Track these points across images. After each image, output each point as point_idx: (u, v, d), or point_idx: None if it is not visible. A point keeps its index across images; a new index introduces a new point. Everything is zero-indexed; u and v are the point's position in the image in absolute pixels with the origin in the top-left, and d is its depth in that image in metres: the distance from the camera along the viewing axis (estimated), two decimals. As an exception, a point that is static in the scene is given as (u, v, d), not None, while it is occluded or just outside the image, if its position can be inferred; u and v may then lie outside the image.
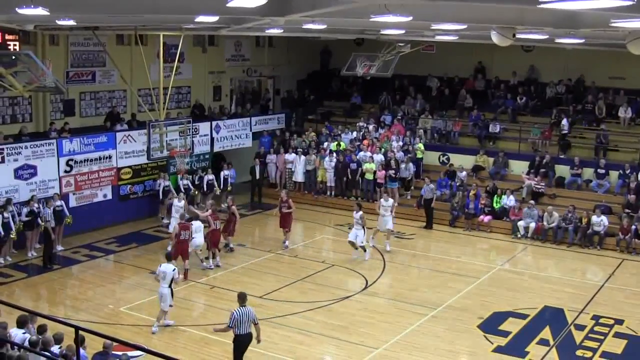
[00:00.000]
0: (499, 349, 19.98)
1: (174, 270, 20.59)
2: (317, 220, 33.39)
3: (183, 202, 28.03)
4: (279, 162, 36.97)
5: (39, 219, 26.67)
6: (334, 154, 35.70)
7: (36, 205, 26.90)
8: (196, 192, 33.12)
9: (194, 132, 33.16)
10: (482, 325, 21.57)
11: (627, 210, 30.24)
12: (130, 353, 16.22)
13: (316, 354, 19.68)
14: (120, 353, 15.88)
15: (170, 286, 20.43)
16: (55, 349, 14.06)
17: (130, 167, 31.76)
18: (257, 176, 36.25)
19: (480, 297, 24.07)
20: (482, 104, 38.99)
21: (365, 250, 27.51)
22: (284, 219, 29.26)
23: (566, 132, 35.00)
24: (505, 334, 20.98)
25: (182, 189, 32.00)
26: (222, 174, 34.45)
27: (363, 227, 27.25)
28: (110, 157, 30.80)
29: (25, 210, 26.73)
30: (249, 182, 36.69)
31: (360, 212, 27.13)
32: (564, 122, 35.18)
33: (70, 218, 28.01)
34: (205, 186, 33.67)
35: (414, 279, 26.03)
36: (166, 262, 20.92)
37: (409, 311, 22.43)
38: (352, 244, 27.30)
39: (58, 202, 27.50)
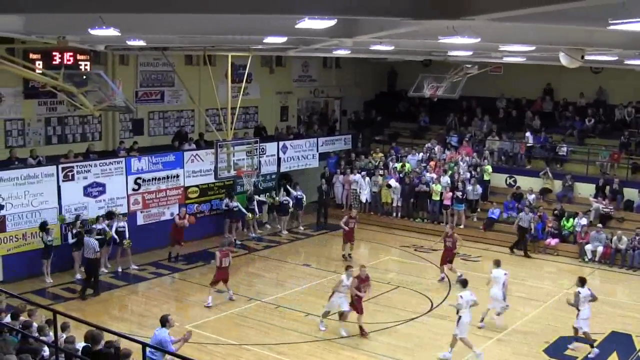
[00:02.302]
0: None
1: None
2: (382, 241, 33.36)
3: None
4: (345, 182, 37.02)
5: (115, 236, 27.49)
6: (400, 175, 35.68)
7: (106, 222, 27.33)
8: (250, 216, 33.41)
9: (261, 152, 33.42)
10: (549, 349, 21.36)
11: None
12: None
13: (381, 374, 19.67)
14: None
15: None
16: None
17: (197, 186, 32.08)
18: (324, 197, 36.37)
19: (547, 321, 23.83)
20: (549, 126, 38.66)
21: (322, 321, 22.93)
22: (350, 234, 29.96)
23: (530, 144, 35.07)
24: (571, 359, 20.73)
25: (241, 209, 32.56)
26: (294, 194, 34.66)
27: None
28: (177, 176, 31.17)
29: (97, 227, 26.98)
30: (316, 202, 36.78)
31: (351, 278, 22.20)
32: (528, 134, 37.21)
33: (129, 242, 28.07)
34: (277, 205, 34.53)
35: (480, 302, 25.79)
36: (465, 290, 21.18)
37: (474, 334, 22.19)
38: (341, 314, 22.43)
39: (122, 223, 27.88)
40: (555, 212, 32.74)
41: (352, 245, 30.33)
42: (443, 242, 28.28)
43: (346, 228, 29.91)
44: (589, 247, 30.67)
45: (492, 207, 34.33)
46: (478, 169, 35.88)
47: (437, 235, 32.86)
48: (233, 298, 24.59)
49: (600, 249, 30.36)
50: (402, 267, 29.87)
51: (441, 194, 34.40)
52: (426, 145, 38.79)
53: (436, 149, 38.13)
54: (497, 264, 23.31)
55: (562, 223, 32.15)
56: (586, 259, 30.68)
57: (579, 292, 20.97)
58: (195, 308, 24.12)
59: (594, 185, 34.04)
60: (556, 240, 31.75)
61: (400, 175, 35.86)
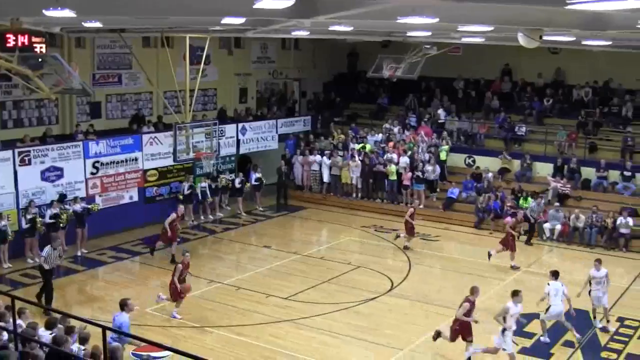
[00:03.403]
0: (524, 350, 19.98)
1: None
2: (342, 222, 33.42)
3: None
4: (304, 163, 37.01)
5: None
6: (359, 156, 35.73)
7: (60, 207, 27.13)
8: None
9: (220, 134, 33.30)
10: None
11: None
12: (155, 354, 16.40)
13: (342, 355, 19.70)
14: (144, 354, 15.99)
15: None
16: (76, 347, 14.07)
17: (156, 169, 31.92)
18: (283, 178, 36.34)
19: (506, 298, 23.96)
20: (508, 106, 38.92)
21: None
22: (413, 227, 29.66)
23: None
24: (530, 335, 20.99)
25: (200, 193, 32.48)
26: (251, 176, 34.58)
27: None
28: (136, 159, 31.00)
29: (49, 212, 26.91)
30: (275, 184, 36.72)
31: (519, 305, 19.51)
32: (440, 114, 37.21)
33: (96, 206, 28.48)
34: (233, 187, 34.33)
35: (439, 281, 26.03)
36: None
37: (435, 312, 22.45)
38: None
39: (78, 206, 27.67)
40: (515, 192, 32.99)
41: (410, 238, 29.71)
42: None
43: (413, 222, 29.50)
44: (547, 226, 30.98)
45: (452, 187, 34.50)
46: (436, 149, 36.03)
47: (397, 215, 33.15)
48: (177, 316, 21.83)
49: (558, 227, 30.67)
50: (362, 248, 29.99)
51: (400, 174, 34.51)
52: (385, 126, 38.85)
53: (395, 129, 38.21)
54: (555, 275, 21.04)
55: (520, 202, 32.39)
56: (544, 237, 31.01)
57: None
58: (156, 291, 23.97)
59: (552, 165, 34.39)
60: (514, 219, 31.96)
61: (360, 156, 35.86)
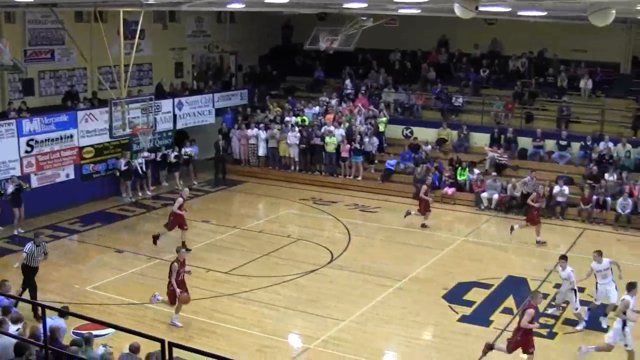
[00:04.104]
0: (463, 319, 20.18)
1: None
2: (281, 195, 33.35)
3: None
4: (242, 137, 36.80)
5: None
6: (297, 129, 35.65)
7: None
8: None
9: (156, 110, 32.95)
10: (447, 295, 21.77)
11: (588, 181, 30.53)
12: (97, 331, 16.26)
13: (284, 327, 19.68)
14: (85, 332, 15.81)
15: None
16: (12, 328, 13.89)
17: (92, 146, 31.46)
18: (221, 152, 36.12)
19: (445, 268, 24.24)
20: (445, 78, 39.11)
21: None
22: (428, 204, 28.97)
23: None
24: (469, 303, 21.21)
25: (138, 168, 32.07)
26: (182, 150, 34.32)
27: None
28: (71, 136, 30.48)
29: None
30: (213, 159, 36.47)
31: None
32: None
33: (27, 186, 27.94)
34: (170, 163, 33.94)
35: (379, 252, 26.11)
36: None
37: (375, 283, 22.56)
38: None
39: (11, 186, 27.22)
40: (452, 162, 33.21)
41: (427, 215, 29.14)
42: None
43: (428, 198, 29.02)
44: (484, 195, 31.24)
45: (389, 158, 34.62)
46: (374, 122, 36.06)
47: (336, 187, 33.26)
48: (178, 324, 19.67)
49: (495, 196, 30.95)
50: (301, 220, 29.98)
51: (338, 146, 34.50)
52: (322, 99, 38.80)
53: (333, 101, 38.17)
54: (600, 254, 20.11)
55: (458, 172, 32.62)
56: (482, 207, 31.26)
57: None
58: (95, 269, 23.76)
59: (489, 135, 34.68)
60: (453, 189, 32.22)
61: (297, 128, 35.77)
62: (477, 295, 21.72)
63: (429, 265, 24.39)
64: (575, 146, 33.27)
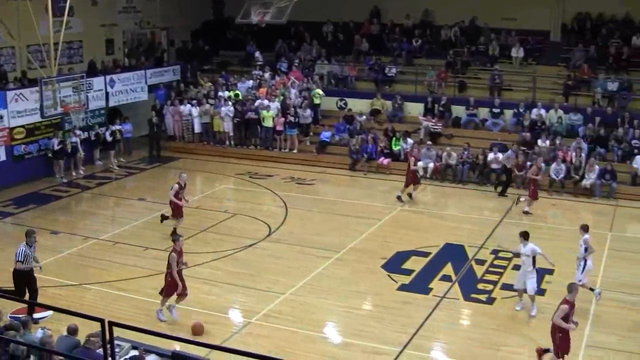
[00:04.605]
0: (403, 287, 20.32)
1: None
2: (216, 170, 33.18)
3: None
4: (175, 113, 36.46)
5: None
6: (230, 103, 35.44)
7: None
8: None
9: (88, 88, 32.48)
10: (386, 265, 21.89)
11: (522, 148, 30.83)
12: (36, 315, 16.10)
13: (224, 303, 19.59)
14: (22, 315, 15.60)
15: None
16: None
17: (23, 126, 30.89)
18: (155, 129, 35.76)
19: (383, 238, 24.36)
20: (377, 48, 39.16)
21: None
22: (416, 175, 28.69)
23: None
24: (408, 272, 21.35)
25: (70, 148, 31.55)
26: (111, 128, 33.88)
27: None
28: (1, 117, 29.89)
29: None
30: (147, 136, 36.09)
31: None
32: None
33: None
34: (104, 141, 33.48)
35: (317, 224, 26.12)
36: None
37: (314, 255, 22.58)
38: None
39: None
40: (388, 132, 33.31)
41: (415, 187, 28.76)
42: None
43: (416, 168, 28.74)
44: (420, 164, 31.35)
45: (324, 130, 34.64)
46: (308, 94, 36.01)
47: (272, 161, 33.19)
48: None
49: (431, 165, 31.11)
50: (238, 195, 29.90)
51: (273, 119, 34.39)
52: (254, 72, 38.60)
53: (266, 75, 38.00)
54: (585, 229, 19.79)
55: (392, 143, 32.74)
56: (418, 176, 31.40)
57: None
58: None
59: (423, 104, 34.82)
60: (388, 159, 32.33)
61: (231, 103, 35.56)
62: (416, 264, 21.87)
63: (367, 235, 24.48)
64: (508, 113, 33.63)
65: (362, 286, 20.54)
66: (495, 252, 22.75)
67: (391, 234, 24.76)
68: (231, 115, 35.13)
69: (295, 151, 34.12)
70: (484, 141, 32.16)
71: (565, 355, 15.38)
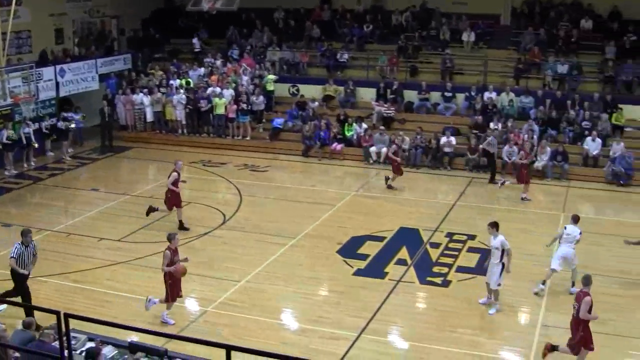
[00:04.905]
0: (359, 272, 20.42)
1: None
2: (170, 159, 32.86)
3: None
4: (127, 103, 36.19)
5: None
6: (182, 91, 35.25)
7: None
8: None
9: (38, 78, 32.13)
10: (341, 250, 22.00)
11: (474, 131, 31.09)
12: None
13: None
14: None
15: None
16: None
17: (-29, 118, 30.56)
18: (107, 119, 35.46)
19: (338, 223, 24.43)
20: (329, 34, 39.18)
21: None
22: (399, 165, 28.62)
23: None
24: (364, 257, 21.47)
25: (24, 139, 31.18)
26: (62, 114, 33.66)
27: None
28: (-51, 108, 29.58)
29: None
30: (99, 126, 35.78)
31: None
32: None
33: None
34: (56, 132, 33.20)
35: (271, 211, 26.12)
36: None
37: (269, 242, 22.59)
38: None
39: None
40: (340, 117, 33.37)
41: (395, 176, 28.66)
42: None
43: (398, 159, 28.57)
44: (373, 150, 31.53)
45: (276, 117, 34.63)
46: (259, 81, 35.96)
47: (224, 149, 33.11)
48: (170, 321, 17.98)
49: (383, 150, 31.19)
50: (192, 183, 29.71)
51: (225, 107, 34.29)
52: (206, 60, 38.44)
53: (217, 62, 37.85)
54: (575, 220, 19.63)
55: (345, 128, 32.82)
56: (371, 161, 31.60)
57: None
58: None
59: (375, 90, 34.94)
60: (341, 145, 32.40)
61: (182, 91, 35.38)
62: (371, 249, 21.98)
63: (321, 221, 24.54)
64: (460, 97, 33.95)
65: (318, 272, 20.62)
66: (449, 235, 22.92)
67: (346, 219, 24.83)
68: (183, 103, 34.96)
69: (248, 138, 34.10)
70: (436, 125, 32.44)
71: (591, 349, 14.97)
